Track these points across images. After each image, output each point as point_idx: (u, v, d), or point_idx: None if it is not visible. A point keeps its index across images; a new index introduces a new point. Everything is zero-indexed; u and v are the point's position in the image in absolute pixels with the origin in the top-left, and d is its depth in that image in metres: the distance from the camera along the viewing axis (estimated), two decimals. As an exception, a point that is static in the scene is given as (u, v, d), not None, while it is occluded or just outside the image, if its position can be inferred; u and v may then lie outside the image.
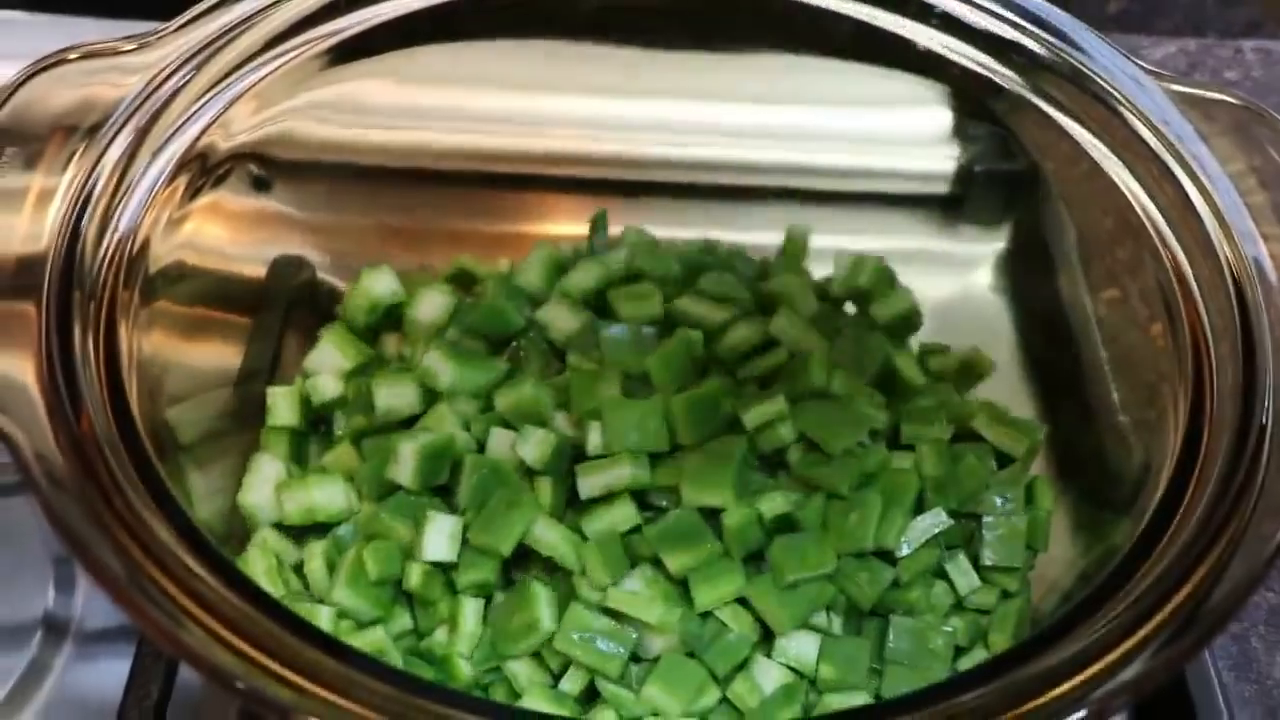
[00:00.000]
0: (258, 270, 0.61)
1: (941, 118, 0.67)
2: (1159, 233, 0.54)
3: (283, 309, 0.63)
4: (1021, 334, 0.65)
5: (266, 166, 0.60)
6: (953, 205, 0.70)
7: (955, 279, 0.68)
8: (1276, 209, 0.52)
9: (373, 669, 0.42)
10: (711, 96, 0.68)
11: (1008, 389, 0.62)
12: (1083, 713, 0.41)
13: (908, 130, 0.68)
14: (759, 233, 0.67)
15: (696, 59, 0.67)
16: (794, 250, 0.66)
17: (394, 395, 0.56)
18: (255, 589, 0.44)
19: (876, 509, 0.54)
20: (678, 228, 0.66)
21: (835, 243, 0.68)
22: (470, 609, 0.53)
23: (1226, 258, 0.51)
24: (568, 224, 0.67)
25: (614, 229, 0.67)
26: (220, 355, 0.59)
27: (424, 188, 0.66)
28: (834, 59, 0.65)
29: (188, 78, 0.54)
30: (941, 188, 0.70)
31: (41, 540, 0.63)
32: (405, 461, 0.54)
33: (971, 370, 0.62)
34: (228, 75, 0.55)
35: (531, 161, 0.67)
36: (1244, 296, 0.50)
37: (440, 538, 0.53)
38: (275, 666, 0.41)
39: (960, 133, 0.68)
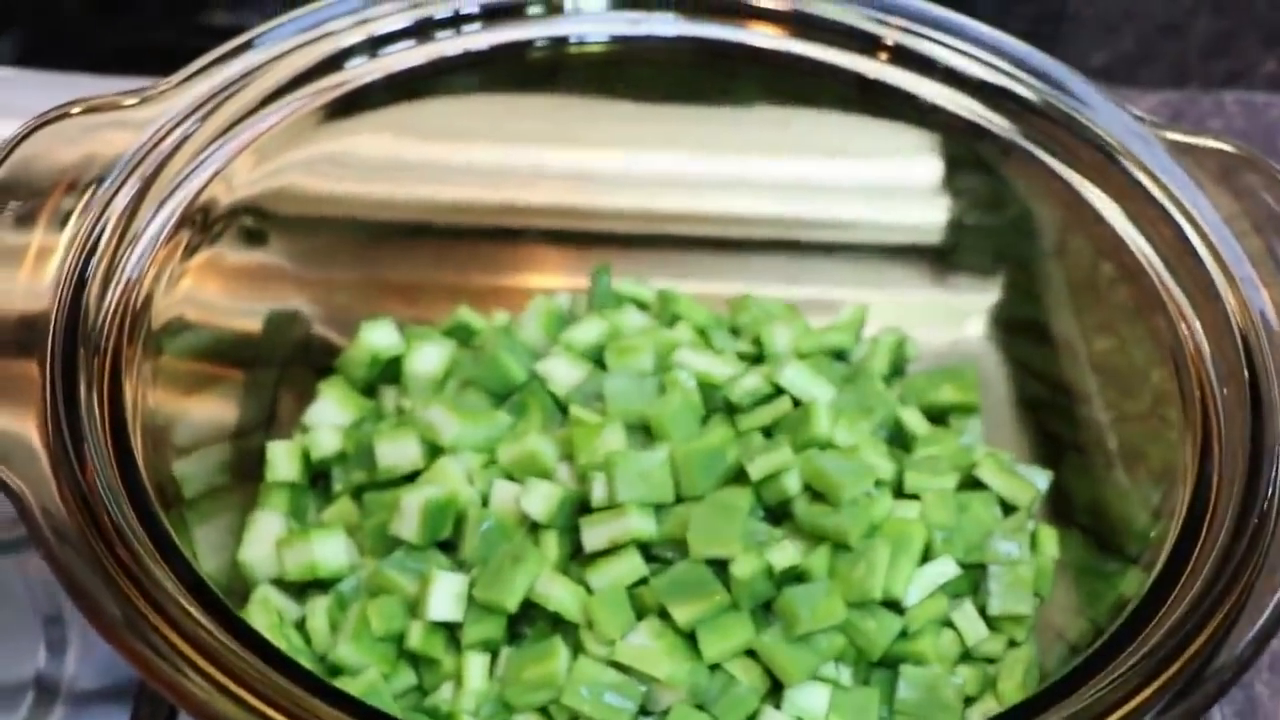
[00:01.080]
0: (258, 325, 0.61)
1: (934, 168, 0.68)
2: (1159, 277, 0.54)
3: (278, 363, 0.63)
4: (1018, 382, 0.65)
5: (265, 221, 0.60)
6: (946, 256, 0.71)
7: (949, 329, 0.69)
8: (1272, 253, 0.52)
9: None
10: (708, 149, 0.69)
11: (1008, 438, 0.63)
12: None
13: (901, 181, 0.69)
14: (753, 283, 0.68)
15: (693, 112, 0.68)
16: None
17: (396, 450, 0.56)
18: (260, 639, 0.44)
19: (884, 558, 0.53)
20: (675, 279, 0.66)
21: (828, 294, 0.69)
22: (476, 665, 0.53)
23: (1229, 303, 0.52)
24: (568, 276, 0.67)
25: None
26: (224, 409, 0.59)
27: (421, 241, 0.67)
28: (828, 111, 0.67)
29: (190, 131, 0.54)
30: (935, 238, 0.70)
31: (31, 601, 0.62)
32: (409, 517, 0.54)
33: (962, 385, 0.62)
34: (228, 130, 0.56)
35: (529, 215, 0.67)
36: (1249, 342, 0.50)
37: (446, 597, 0.53)
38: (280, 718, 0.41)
39: (952, 183, 0.68)
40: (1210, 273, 0.52)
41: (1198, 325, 0.52)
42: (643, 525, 0.53)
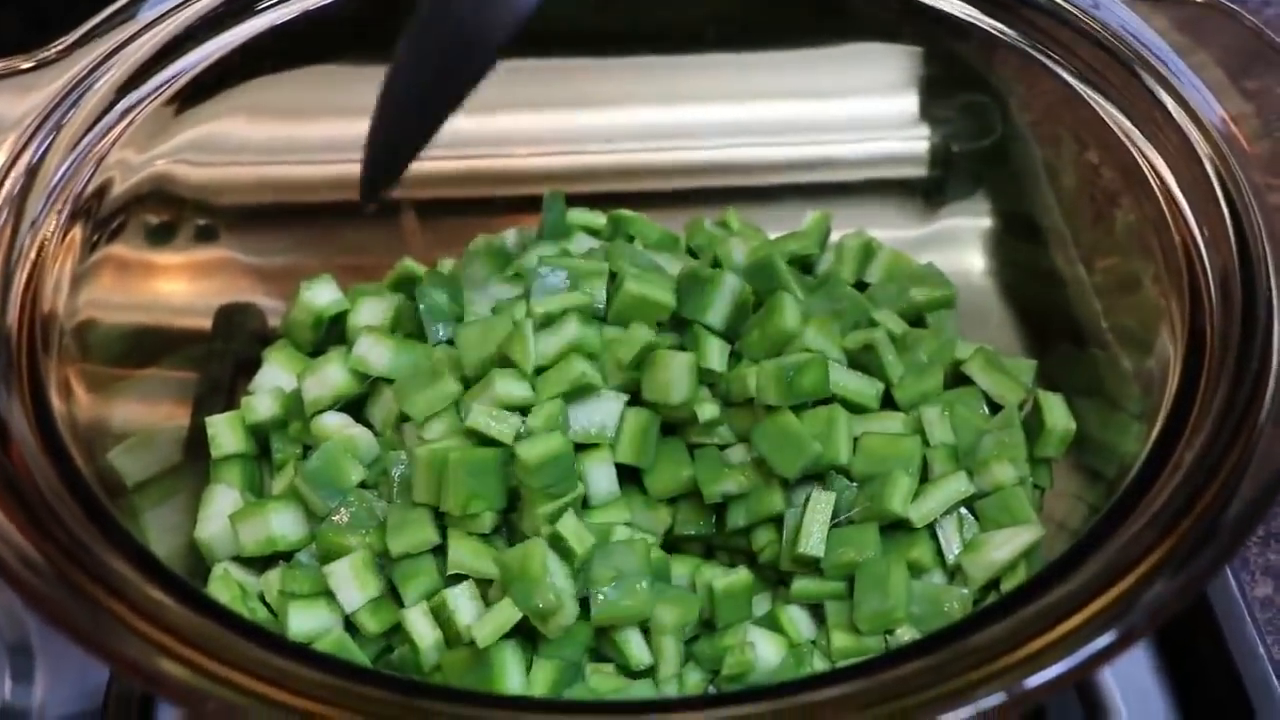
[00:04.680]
0: (173, 319, 0.62)
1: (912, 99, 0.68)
2: (1129, 137, 0.54)
3: (232, 358, 0.63)
4: (1000, 277, 0.65)
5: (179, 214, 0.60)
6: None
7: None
8: (1241, 90, 0.52)
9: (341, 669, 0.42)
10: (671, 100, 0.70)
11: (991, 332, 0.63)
12: (1112, 636, 0.40)
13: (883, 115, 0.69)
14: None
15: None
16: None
17: (318, 382, 0.57)
18: (225, 610, 0.43)
19: (906, 484, 0.54)
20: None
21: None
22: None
23: (1208, 156, 0.51)
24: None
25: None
26: (159, 393, 0.59)
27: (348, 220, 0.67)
28: (797, 49, 0.68)
29: (47, 141, 0.54)
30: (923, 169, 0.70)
31: (-4, 632, 0.62)
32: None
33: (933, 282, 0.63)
34: (84, 135, 0.55)
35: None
36: (1230, 195, 0.50)
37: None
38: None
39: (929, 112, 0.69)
40: (1181, 125, 0.52)
41: (1174, 182, 0.52)
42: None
